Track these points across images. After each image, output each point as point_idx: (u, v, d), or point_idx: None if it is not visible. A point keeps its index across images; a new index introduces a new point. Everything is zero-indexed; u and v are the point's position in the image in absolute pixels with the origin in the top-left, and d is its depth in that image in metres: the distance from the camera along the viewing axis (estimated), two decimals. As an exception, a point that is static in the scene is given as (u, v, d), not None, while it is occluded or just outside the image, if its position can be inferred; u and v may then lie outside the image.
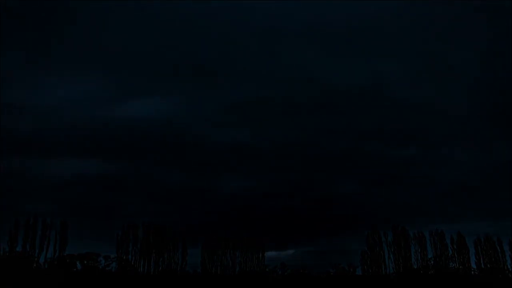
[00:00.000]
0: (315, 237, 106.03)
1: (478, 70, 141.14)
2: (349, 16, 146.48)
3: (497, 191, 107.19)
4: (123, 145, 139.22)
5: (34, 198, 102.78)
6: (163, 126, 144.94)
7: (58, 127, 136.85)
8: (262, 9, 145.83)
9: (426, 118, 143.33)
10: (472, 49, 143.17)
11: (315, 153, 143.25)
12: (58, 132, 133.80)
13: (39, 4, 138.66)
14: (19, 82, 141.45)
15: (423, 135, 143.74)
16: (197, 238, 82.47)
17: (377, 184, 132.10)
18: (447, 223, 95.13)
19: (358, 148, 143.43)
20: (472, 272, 76.56)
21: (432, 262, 77.59)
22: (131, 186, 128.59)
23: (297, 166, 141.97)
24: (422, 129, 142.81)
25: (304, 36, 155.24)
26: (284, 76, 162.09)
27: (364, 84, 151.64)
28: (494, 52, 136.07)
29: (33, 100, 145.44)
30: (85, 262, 72.80)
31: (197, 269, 79.83)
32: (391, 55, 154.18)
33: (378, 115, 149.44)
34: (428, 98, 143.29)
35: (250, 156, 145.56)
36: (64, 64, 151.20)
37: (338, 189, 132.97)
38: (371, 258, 79.96)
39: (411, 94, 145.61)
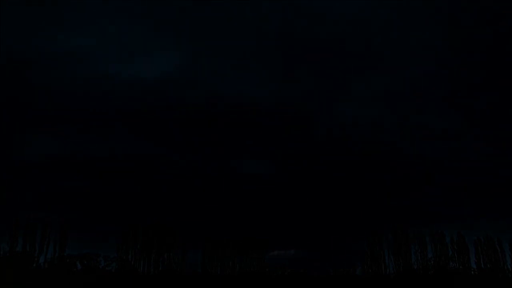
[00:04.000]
0: (315, 237, 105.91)
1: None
2: None
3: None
4: (108, 116, 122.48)
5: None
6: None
7: (27, 91, 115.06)
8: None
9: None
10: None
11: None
12: (25, 99, 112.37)
13: None
14: None
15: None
16: (197, 238, 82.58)
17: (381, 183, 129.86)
18: (447, 223, 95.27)
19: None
20: (472, 272, 76.60)
21: (432, 262, 77.69)
22: (119, 174, 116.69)
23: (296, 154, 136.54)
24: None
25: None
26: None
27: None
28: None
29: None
30: (85, 262, 72.82)
31: (197, 269, 79.97)
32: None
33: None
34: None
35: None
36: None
37: (338, 185, 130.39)
38: (371, 258, 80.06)
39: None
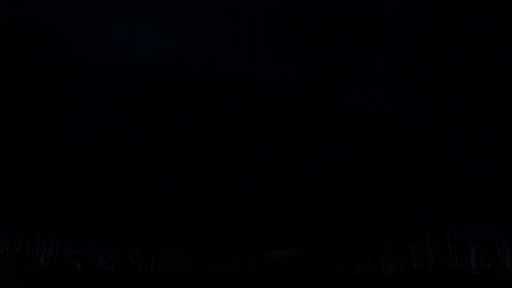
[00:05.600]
0: (316, 237, 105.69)
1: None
2: None
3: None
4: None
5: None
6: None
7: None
8: None
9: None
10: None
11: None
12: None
13: None
14: None
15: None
16: (197, 238, 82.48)
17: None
18: (447, 223, 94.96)
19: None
20: (472, 272, 76.56)
21: (432, 262, 77.65)
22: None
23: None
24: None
25: None
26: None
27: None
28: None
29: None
30: (85, 262, 72.82)
31: (197, 269, 79.97)
32: None
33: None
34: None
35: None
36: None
37: (338, 185, 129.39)
38: (371, 258, 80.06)
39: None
